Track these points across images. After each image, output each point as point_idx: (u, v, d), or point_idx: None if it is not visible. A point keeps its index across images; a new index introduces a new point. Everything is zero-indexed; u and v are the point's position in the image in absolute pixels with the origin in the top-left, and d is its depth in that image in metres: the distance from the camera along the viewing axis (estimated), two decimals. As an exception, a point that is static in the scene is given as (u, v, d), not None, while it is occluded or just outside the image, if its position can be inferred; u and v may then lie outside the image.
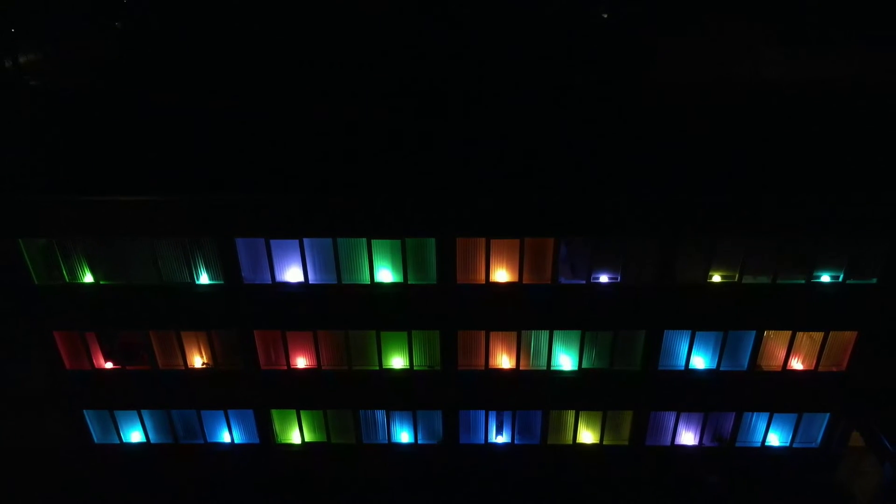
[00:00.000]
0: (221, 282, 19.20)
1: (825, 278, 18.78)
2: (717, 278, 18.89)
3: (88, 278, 19.29)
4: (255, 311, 19.68)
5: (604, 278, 18.96)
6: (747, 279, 18.74)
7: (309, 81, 22.18)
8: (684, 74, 28.52)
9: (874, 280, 18.57)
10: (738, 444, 22.19)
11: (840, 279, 18.68)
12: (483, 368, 20.71)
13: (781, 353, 20.26)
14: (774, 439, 22.20)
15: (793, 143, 20.36)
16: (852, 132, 21.17)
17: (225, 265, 18.82)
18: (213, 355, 20.84)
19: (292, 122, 20.98)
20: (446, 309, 19.37)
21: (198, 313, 19.76)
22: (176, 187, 17.99)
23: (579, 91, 23.11)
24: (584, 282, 18.92)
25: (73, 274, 19.22)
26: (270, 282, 19.13)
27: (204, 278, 19.31)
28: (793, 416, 21.55)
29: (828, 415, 21.33)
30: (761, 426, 21.91)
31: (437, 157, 19.17)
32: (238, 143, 20.01)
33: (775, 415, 21.55)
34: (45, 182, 18.29)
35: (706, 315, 19.36)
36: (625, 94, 23.46)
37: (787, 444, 22.11)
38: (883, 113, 22.68)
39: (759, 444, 22.18)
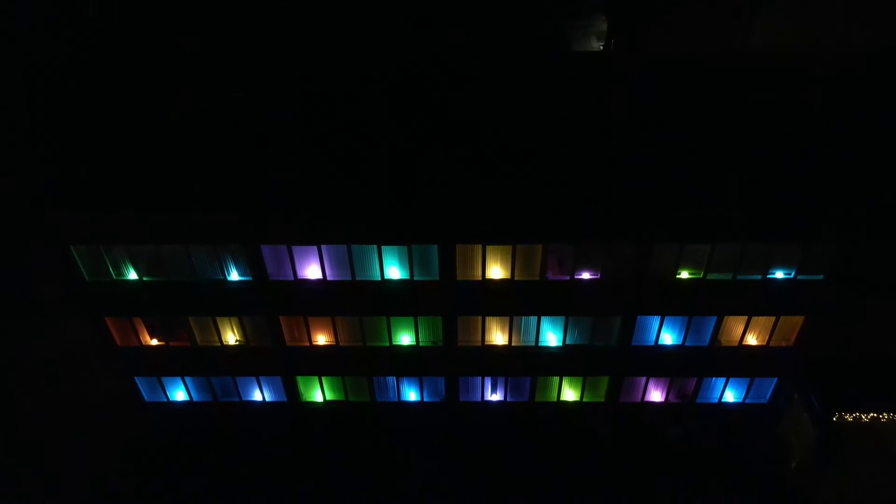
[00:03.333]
0: (249, 278, 21.84)
1: (779, 275, 21.42)
2: (685, 275, 21.51)
3: (132, 275, 21.91)
4: (280, 302, 22.49)
5: (586, 275, 21.59)
6: (711, 276, 21.37)
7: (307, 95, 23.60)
8: (673, 44, 29.17)
9: (821, 276, 21.21)
10: (698, 401, 25.85)
11: (792, 276, 21.32)
12: (480, 345, 23.85)
13: (739, 331, 23.31)
14: (730, 396, 25.80)
15: (766, 135, 22.16)
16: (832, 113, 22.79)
17: (252, 265, 21.38)
18: (244, 334, 23.90)
19: (299, 135, 22.68)
20: (448, 300, 22.18)
21: (229, 303, 22.59)
22: (208, 202, 20.14)
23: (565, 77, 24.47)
24: (568, 278, 21.59)
25: (119, 271, 21.82)
26: (293, 279, 21.78)
27: (234, 275, 21.93)
28: (746, 380, 24.99)
29: (776, 378, 24.77)
30: (719, 386, 25.44)
31: (437, 170, 21.12)
32: (259, 154, 21.88)
33: (731, 378, 24.99)
34: (91, 197, 20.38)
35: (674, 304, 22.20)
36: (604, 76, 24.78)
37: (741, 401, 25.76)
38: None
39: (716, 401, 25.83)
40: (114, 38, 24.94)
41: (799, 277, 21.35)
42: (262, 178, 20.90)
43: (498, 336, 23.87)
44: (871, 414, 22.38)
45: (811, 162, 21.33)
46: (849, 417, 22.45)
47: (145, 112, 23.18)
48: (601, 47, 48.42)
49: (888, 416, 22.43)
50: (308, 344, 23.96)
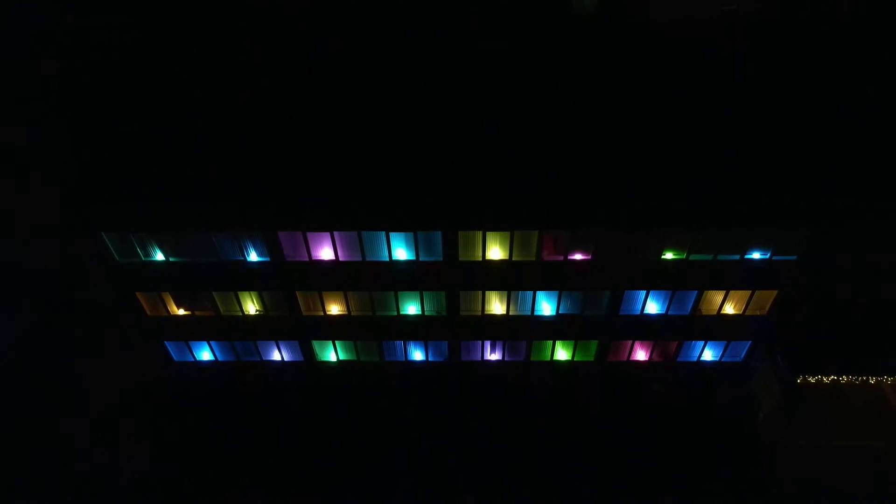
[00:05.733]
0: (267, 259, 23.66)
1: (756, 255, 23.22)
2: (669, 255, 23.30)
3: (159, 256, 23.71)
4: (296, 279, 24.41)
5: (578, 256, 23.39)
6: (694, 256, 23.17)
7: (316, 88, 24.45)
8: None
9: (794, 257, 23.02)
10: (679, 360, 28.32)
11: (768, 256, 23.12)
12: (480, 314, 26.00)
13: (718, 302, 25.36)
14: (708, 355, 28.23)
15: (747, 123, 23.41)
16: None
17: (270, 248, 23.13)
18: (263, 305, 26.00)
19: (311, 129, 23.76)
20: (450, 278, 24.09)
21: (249, 280, 24.51)
22: (230, 194, 21.65)
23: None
24: (562, 258, 23.40)
25: (147, 253, 23.61)
26: (308, 259, 23.60)
27: (253, 256, 23.73)
28: (723, 342, 27.33)
29: (750, 342, 27.10)
30: (698, 347, 27.81)
31: (441, 164, 22.46)
32: (272, 148, 23.12)
33: (709, 341, 27.33)
34: (119, 190, 21.87)
35: (659, 281, 24.13)
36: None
37: (718, 360, 28.23)
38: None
39: (695, 360, 28.31)
40: (137, 38, 25.46)
41: (774, 258, 23.15)
42: (278, 171, 22.27)
43: (497, 306, 25.96)
44: (832, 377, 24.83)
45: (792, 149, 22.65)
46: (812, 380, 24.92)
47: (168, 108, 24.19)
48: None
49: (848, 378, 24.89)
50: (322, 314, 26.11)
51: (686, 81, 24.83)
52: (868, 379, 24.86)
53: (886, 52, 25.04)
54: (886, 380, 25.00)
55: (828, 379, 24.88)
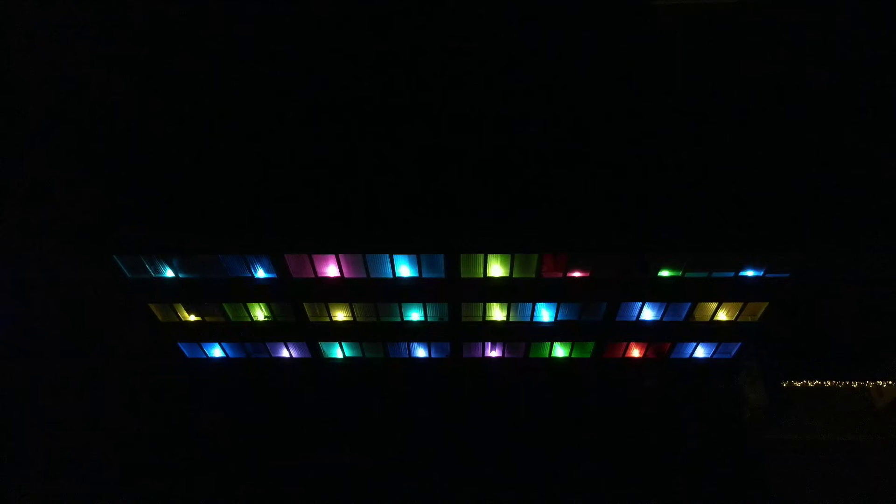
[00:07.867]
0: (274, 276, 24.32)
1: (750, 273, 23.84)
2: (665, 273, 23.92)
3: (170, 273, 24.38)
4: (302, 293, 25.16)
5: (577, 273, 24.02)
6: (689, 274, 23.80)
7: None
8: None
9: (787, 274, 23.66)
10: (672, 357, 29.47)
11: (762, 274, 23.75)
12: (481, 320, 26.92)
13: (711, 310, 26.20)
14: (700, 352, 29.35)
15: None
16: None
17: (277, 266, 23.76)
18: (271, 312, 26.87)
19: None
20: (453, 293, 24.83)
21: (257, 293, 25.26)
22: (237, 223, 22.10)
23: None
24: (561, 276, 24.05)
25: (157, 270, 24.25)
26: (314, 276, 24.27)
27: (261, 273, 24.39)
28: (715, 343, 28.40)
29: (740, 343, 28.14)
30: (691, 346, 28.89)
31: (443, 188, 22.73)
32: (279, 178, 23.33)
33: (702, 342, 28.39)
34: (129, 219, 22.32)
35: (655, 294, 24.87)
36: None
37: (709, 356, 29.38)
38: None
39: (688, 357, 29.46)
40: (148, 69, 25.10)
41: (767, 276, 23.78)
42: (283, 199, 22.61)
43: (497, 313, 26.81)
44: (816, 381, 26.05)
45: (787, 172, 22.87)
46: (797, 384, 26.16)
47: (176, 135, 24.23)
48: None
49: (832, 382, 26.12)
50: (328, 320, 27.02)
51: (683, 100, 24.68)
52: (850, 383, 26.08)
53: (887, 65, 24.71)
54: (868, 384, 26.23)
55: (812, 383, 26.11)
